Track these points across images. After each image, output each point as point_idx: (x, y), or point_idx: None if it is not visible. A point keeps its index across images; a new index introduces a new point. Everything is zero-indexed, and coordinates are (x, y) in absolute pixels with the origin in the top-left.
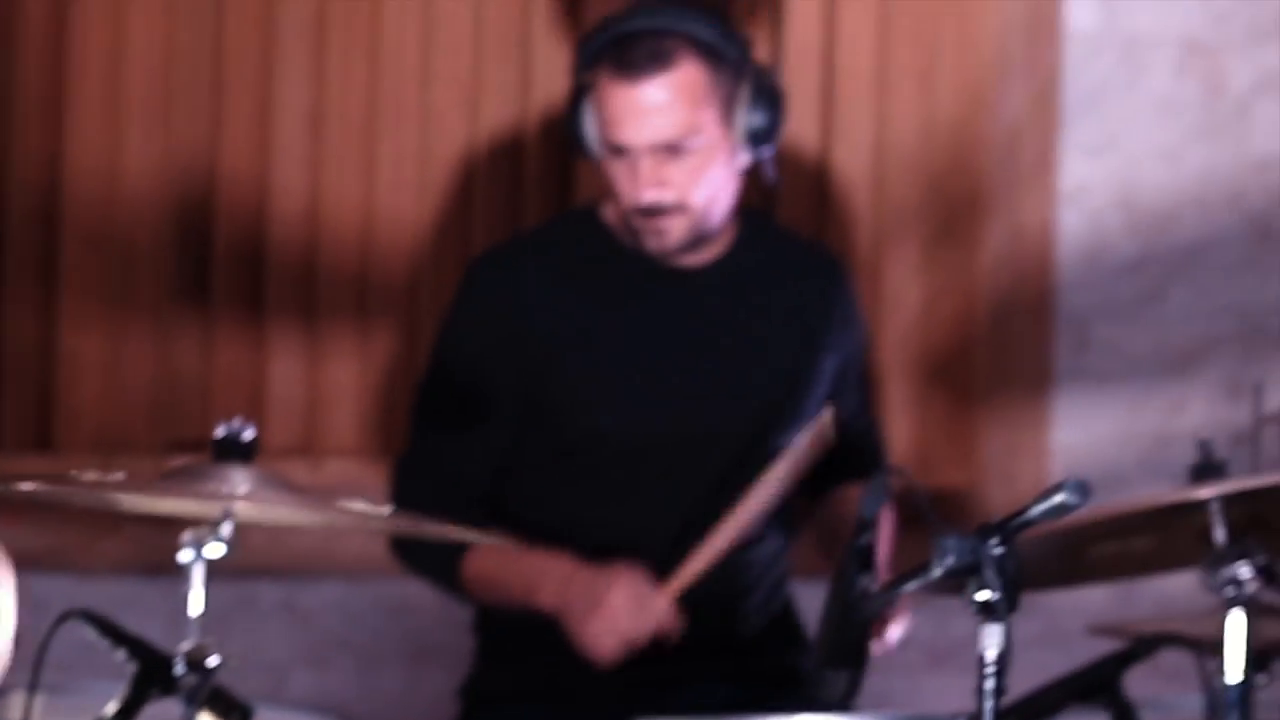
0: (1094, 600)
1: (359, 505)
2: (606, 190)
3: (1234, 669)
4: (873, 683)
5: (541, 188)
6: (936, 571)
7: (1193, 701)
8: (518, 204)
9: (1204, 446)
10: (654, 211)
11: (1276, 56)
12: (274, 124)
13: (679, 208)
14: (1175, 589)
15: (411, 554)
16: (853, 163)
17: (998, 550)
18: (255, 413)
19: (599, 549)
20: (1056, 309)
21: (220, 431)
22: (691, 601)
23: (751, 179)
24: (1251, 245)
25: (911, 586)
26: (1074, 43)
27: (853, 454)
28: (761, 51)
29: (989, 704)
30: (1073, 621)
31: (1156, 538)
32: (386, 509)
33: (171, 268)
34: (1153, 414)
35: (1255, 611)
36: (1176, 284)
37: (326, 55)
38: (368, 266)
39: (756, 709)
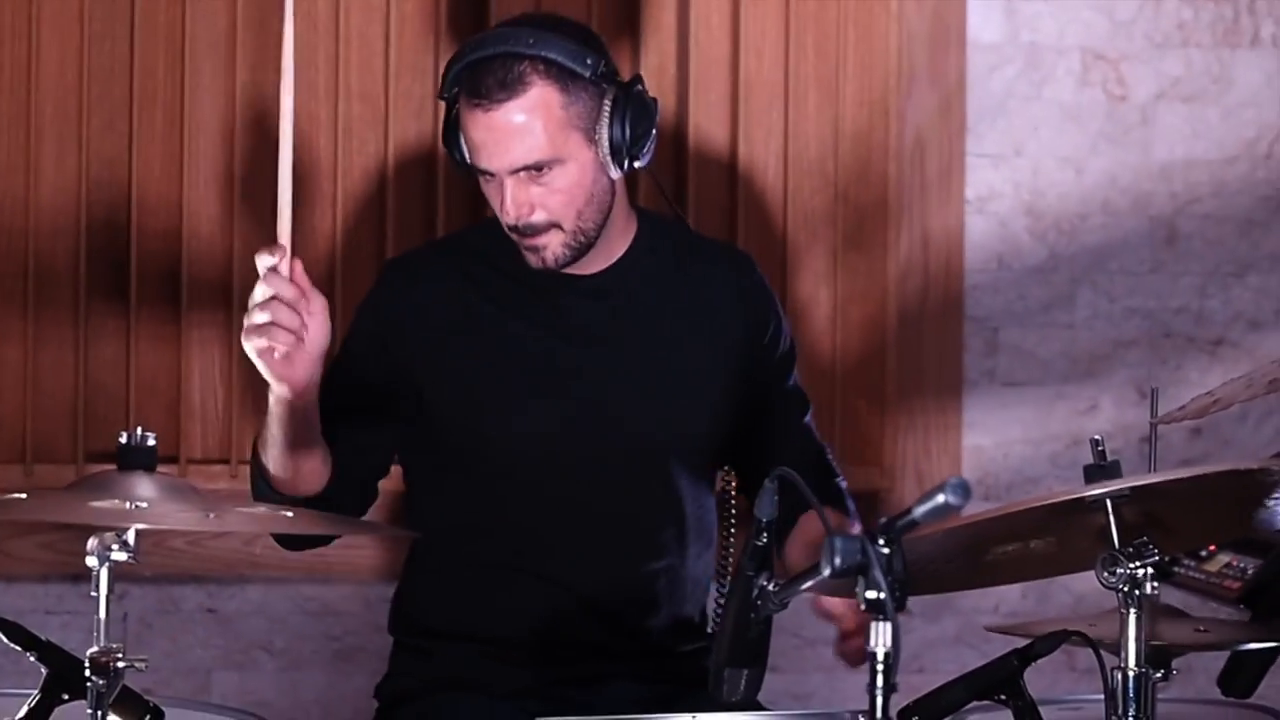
0: (1010, 600)
1: (262, 510)
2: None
3: (1131, 665)
4: (791, 681)
5: (453, 198)
6: (825, 571)
7: (1095, 697)
8: (430, 215)
9: (1097, 445)
10: (526, 231)
11: (1177, 64)
12: (187, 138)
13: (551, 226)
14: (1087, 587)
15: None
16: (761, 172)
17: (884, 550)
18: (174, 422)
19: (505, 555)
20: (965, 314)
21: (123, 440)
22: (590, 606)
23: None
24: (1157, 249)
25: (804, 586)
26: (978, 52)
27: (818, 483)
28: (668, 63)
29: (880, 701)
30: (990, 620)
31: (1056, 538)
32: (290, 512)
33: (90, 279)
34: (1062, 416)
35: (1157, 611)
36: (1083, 288)
37: (238, 70)
38: None
39: (668, 708)
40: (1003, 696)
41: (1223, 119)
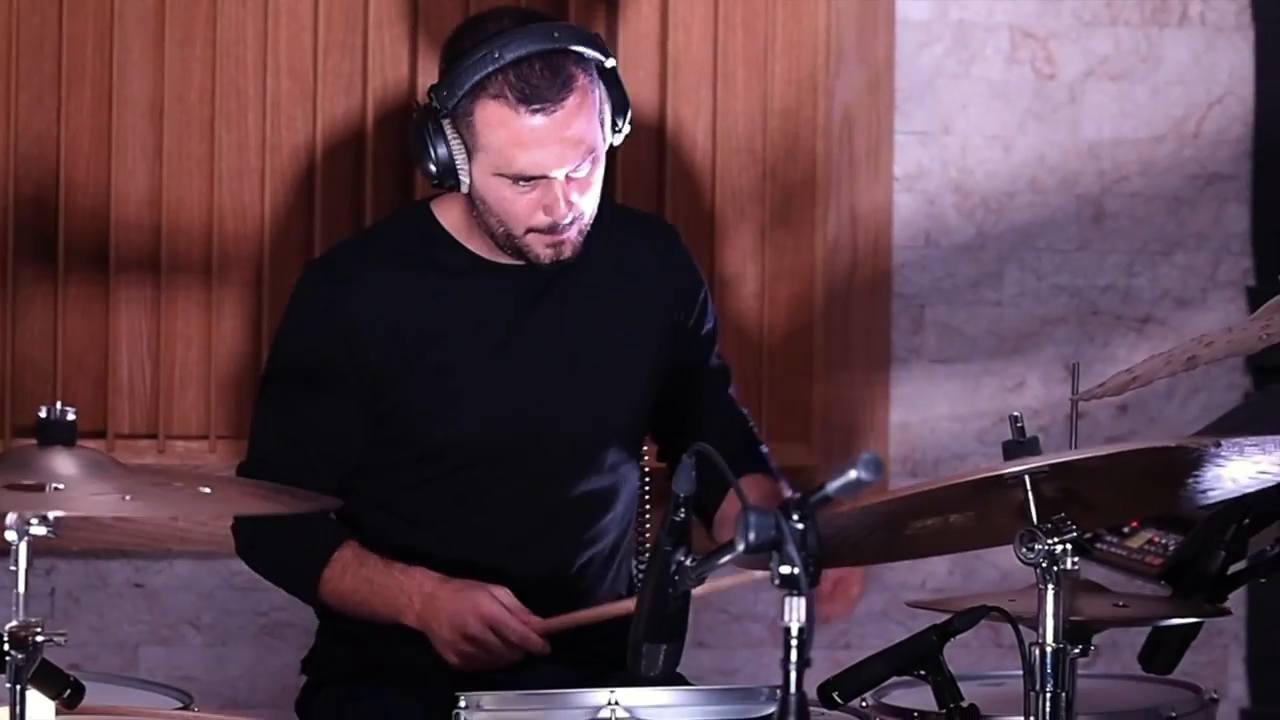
0: (937, 573)
1: (179, 485)
2: (479, 211)
3: (1049, 641)
4: (719, 657)
5: (382, 175)
6: (740, 546)
7: (1015, 673)
8: (359, 191)
9: (1016, 422)
10: (563, 228)
11: (1105, 43)
12: (116, 114)
13: (578, 218)
14: (1014, 563)
15: (266, 564)
16: (689, 149)
17: (799, 525)
18: (102, 396)
19: (439, 545)
20: (893, 291)
21: (42, 414)
22: (531, 594)
23: None
24: (1084, 228)
25: (719, 561)
26: (906, 30)
27: (742, 452)
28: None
29: (794, 675)
30: (916, 594)
31: (975, 513)
32: (209, 488)
33: (18, 254)
34: (989, 393)
35: (1078, 586)
36: (1011, 266)
37: (167, 46)
38: (212, 253)
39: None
40: (922, 672)
41: (1151, 97)
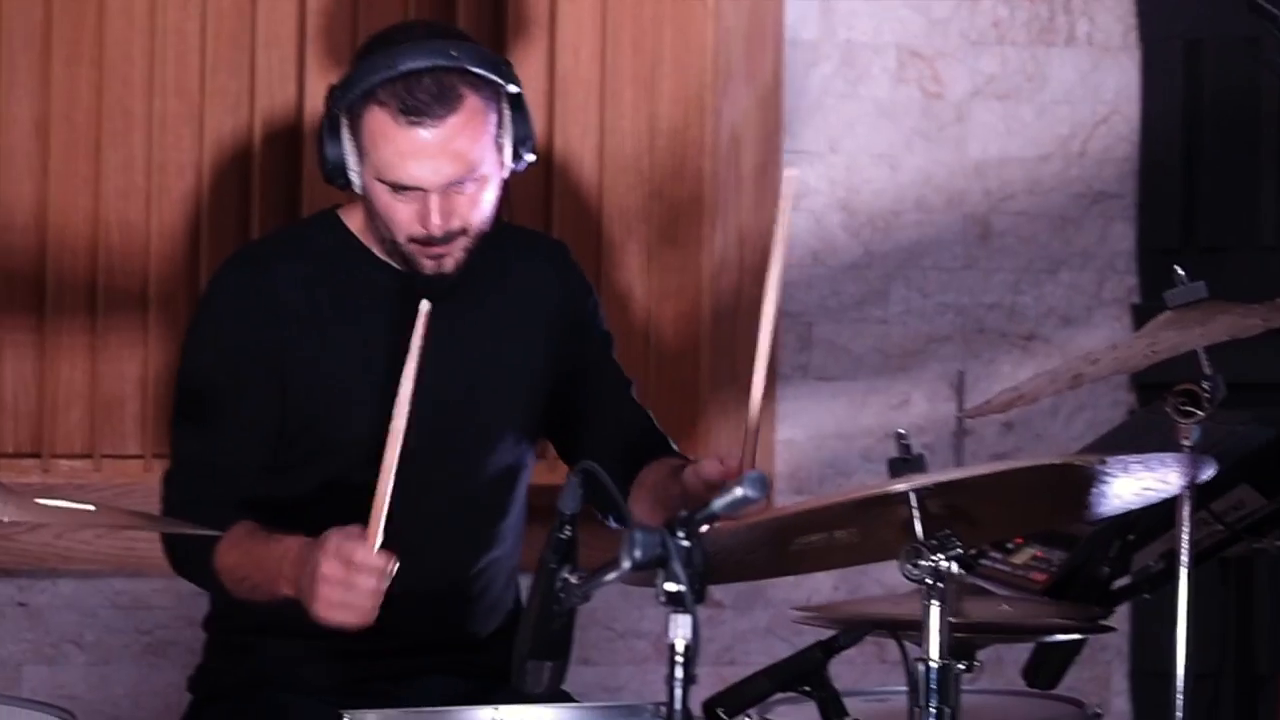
0: (821, 589)
1: (58, 503)
2: (371, 216)
3: (933, 657)
4: (603, 674)
5: (269, 194)
6: (626, 564)
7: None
8: (245, 210)
9: (902, 439)
10: (440, 242)
11: (992, 62)
12: (2, 132)
13: (461, 233)
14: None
15: (174, 557)
16: (577, 168)
17: (684, 543)
18: None
19: None
20: (780, 309)
21: None
22: (423, 604)
23: None
24: (970, 246)
25: (605, 579)
26: (794, 49)
27: (643, 434)
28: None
29: (679, 693)
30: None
31: (859, 529)
32: (89, 507)
33: None
34: (875, 410)
35: (963, 590)
36: (897, 284)
37: (52, 64)
38: (97, 273)
39: (481, 701)
40: (807, 688)
41: (1037, 116)
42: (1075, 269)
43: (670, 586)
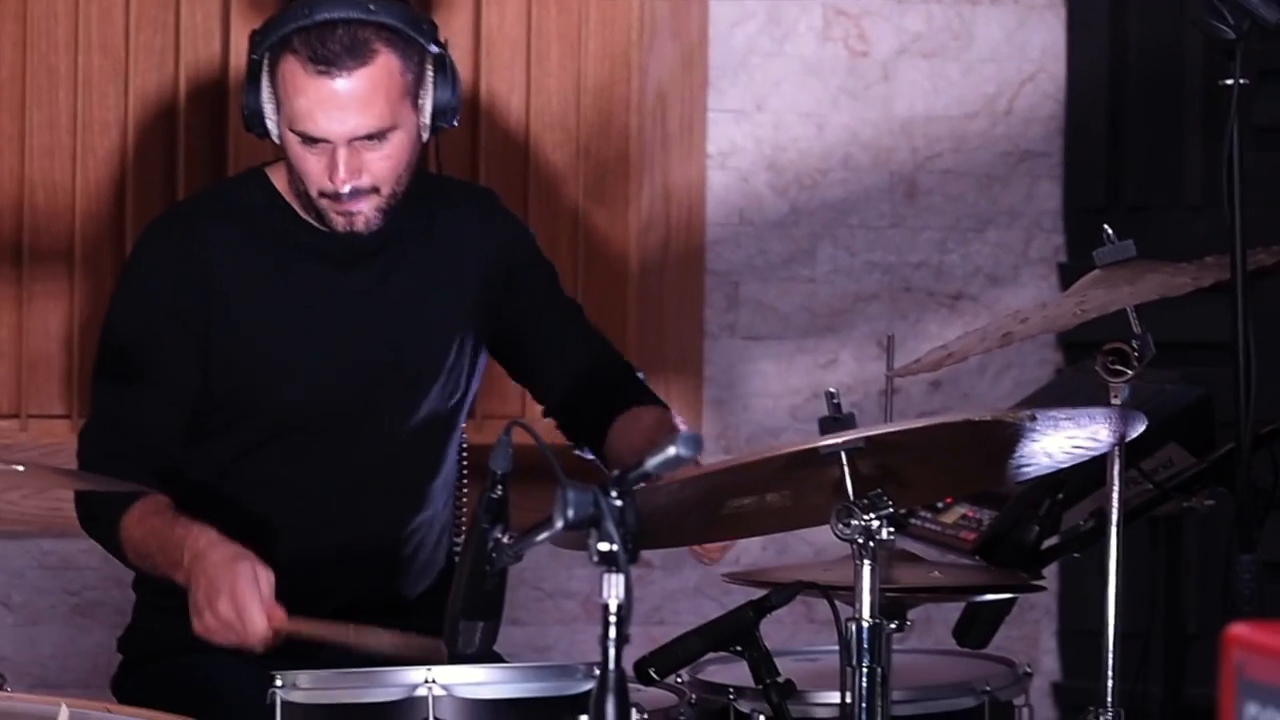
0: (750, 550)
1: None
2: (289, 170)
3: (865, 616)
4: (532, 633)
5: (195, 148)
6: (558, 523)
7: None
8: (171, 168)
9: (833, 398)
10: (344, 198)
11: (918, 20)
12: None
13: (371, 191)
14: (826, 539)
15: (82, 513)
16: (504, 126)
17: (617, 502)
18: None
19: (265, 513)
20: (706, 268)
21: None
22: (360, 562)
23: None
24: (897, 204)
25: (537, 539)
26: (720, 6)
27: (613, 378)
28: None
29: (612, 651)
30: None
31: (791, 491)
32: (18, 466)
33: None
34: (802, 370)
35: (893, 556)
36: (824, 243)
37: None
38: (23, 232)
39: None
40: (738, 647)
41: (963, 75)
42: (1002, 228)
43: (603, 546)
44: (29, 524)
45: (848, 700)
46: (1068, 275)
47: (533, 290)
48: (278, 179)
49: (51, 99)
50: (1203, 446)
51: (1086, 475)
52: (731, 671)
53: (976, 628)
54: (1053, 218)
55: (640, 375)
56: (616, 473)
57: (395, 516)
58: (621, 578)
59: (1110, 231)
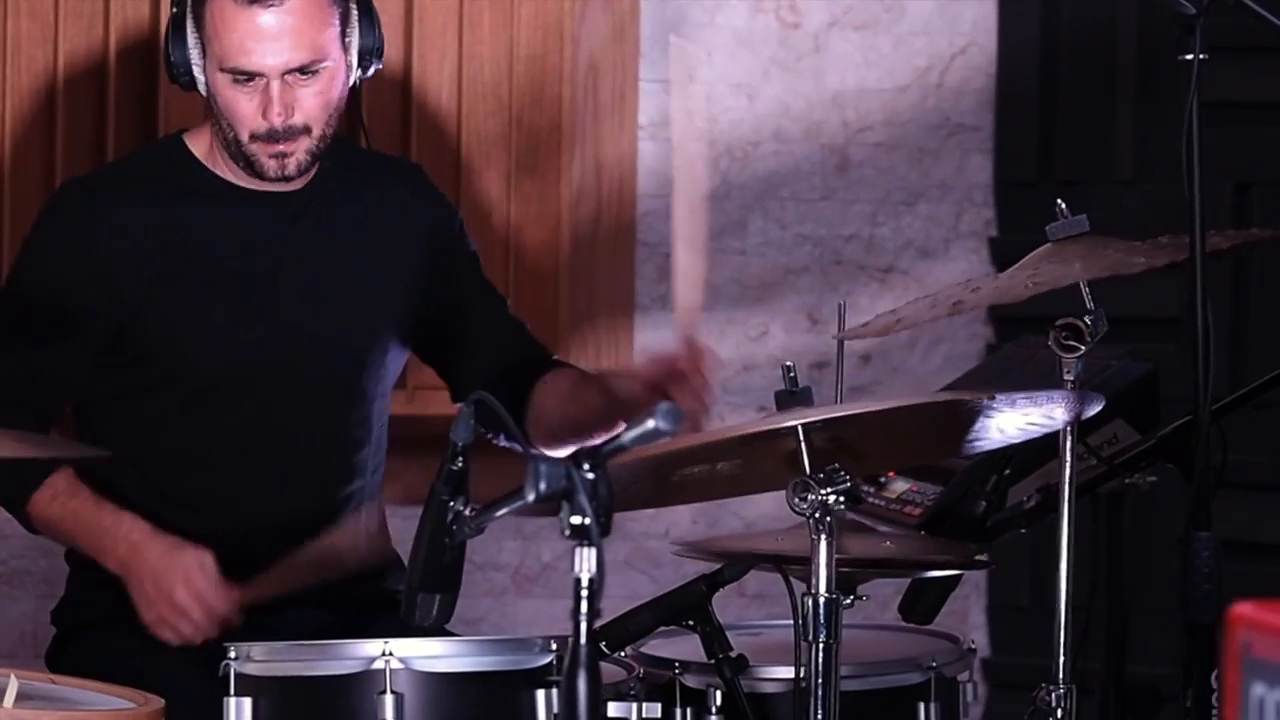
0: (680, 522)
1: None
2: (210, 117)
3: (822, 591)
4: (461, 606)
5: (124, 113)
6: (530, 496)
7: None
8: (101, 130)
9: (789, 372)
10: (279, 136)
11: None
12: None
13: (304, 131)
14: (757, 512)
15: None
16: (435, 94)
17: (590, 475)
18: None
19: (192, 484)
20: (637, 239)
21: None
22: (290, 533)
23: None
24: (829, 176)
25: (503, 511)
26: None
27: (524, 349)
28: None
29: (584, 626)
30: (660, 544)
31: (743, 461)
32: None
33: None
34: (733, 342)
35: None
36: (755, 215)
37: None
38: None
39: (351, 634)
40: (691, 622)
41: (895, 47)
42: (933, 201)
43: (575, 520)
44: None
45: (802, 675)
46: (998, 249)
47: (461, 275)
48: (196, 144)
49: None
50: (1147, 422)
51: (1032, 451)
52: (675, 645)
53: (923, 603)
54: (983, 191)
55: (555, 357)
56: (590, 445)
57: (326, 486)
58: (594, 551)
59: (1064, 205)
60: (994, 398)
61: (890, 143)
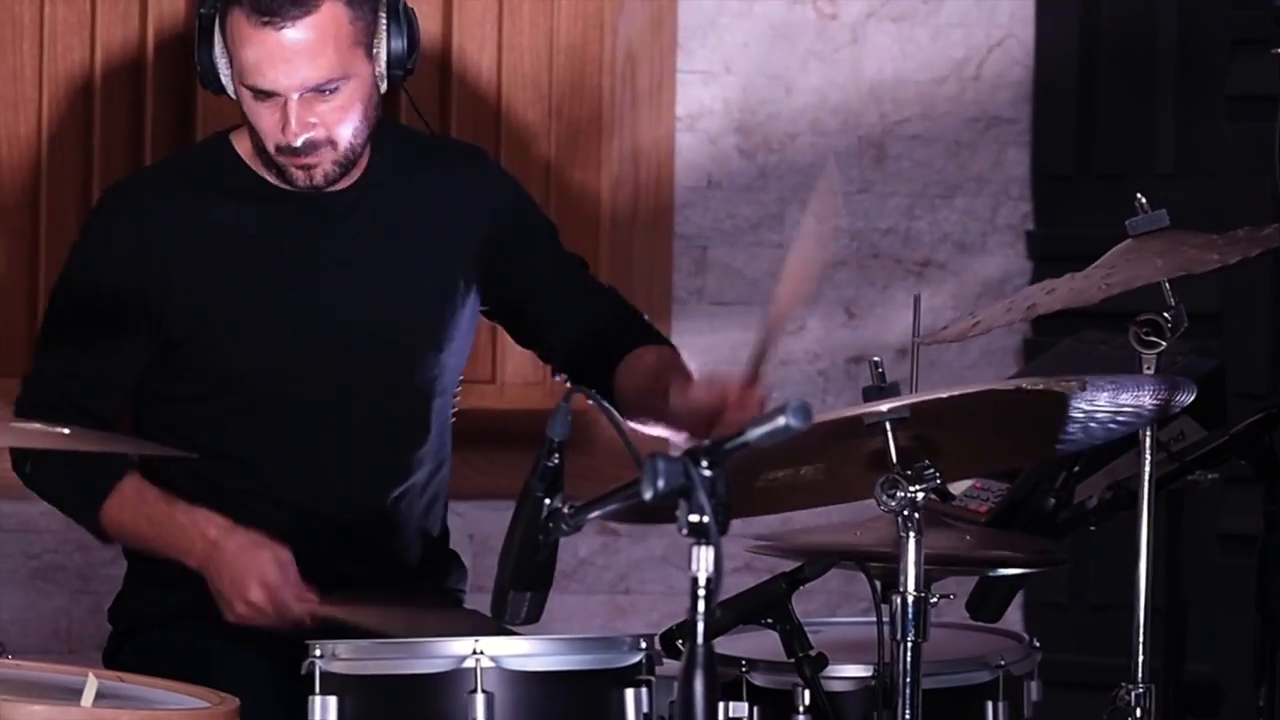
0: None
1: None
2: (242, 122)
3: (910, 590)
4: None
5: (161, 104)
6: (647, 493)
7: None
8: (138, 121)
9: (877, 367)
10: (300, 152)
11: None
12: None
13: (327, 143)
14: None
15: (47, 487)
16: (475, 84)
17: (708, 472)
18: None
19: (247, 483)
20: (674, 232)
21: None
22: (343, 534)
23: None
24: (865, 169)
25: (611, 506)
26: None
27: (617, 327)
28: None
29: (701, 626)
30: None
31: (826, 464)
32: (64, 430)
33: None
34: None
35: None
36: (792, 207)
37: None
38: None
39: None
40: (770, 620)
41: (932, 39)
42: (970, 194)
43: (694, 518)
44: None
45: (871, 674)
46: (1035, 243)
47: (536, 254)
48: (240, 144)
49: (16, 50)
50: (1212, 418)
51: (1100, 449)
52: (737, 643)
53: (991, 601)
54: (1020, 185)
55: (647, 318)
56: (709, 441)
57: (381, 484)
58: (711, 550)
59: (1143, 200)
60: (1084, 385)
61: (927, 135)
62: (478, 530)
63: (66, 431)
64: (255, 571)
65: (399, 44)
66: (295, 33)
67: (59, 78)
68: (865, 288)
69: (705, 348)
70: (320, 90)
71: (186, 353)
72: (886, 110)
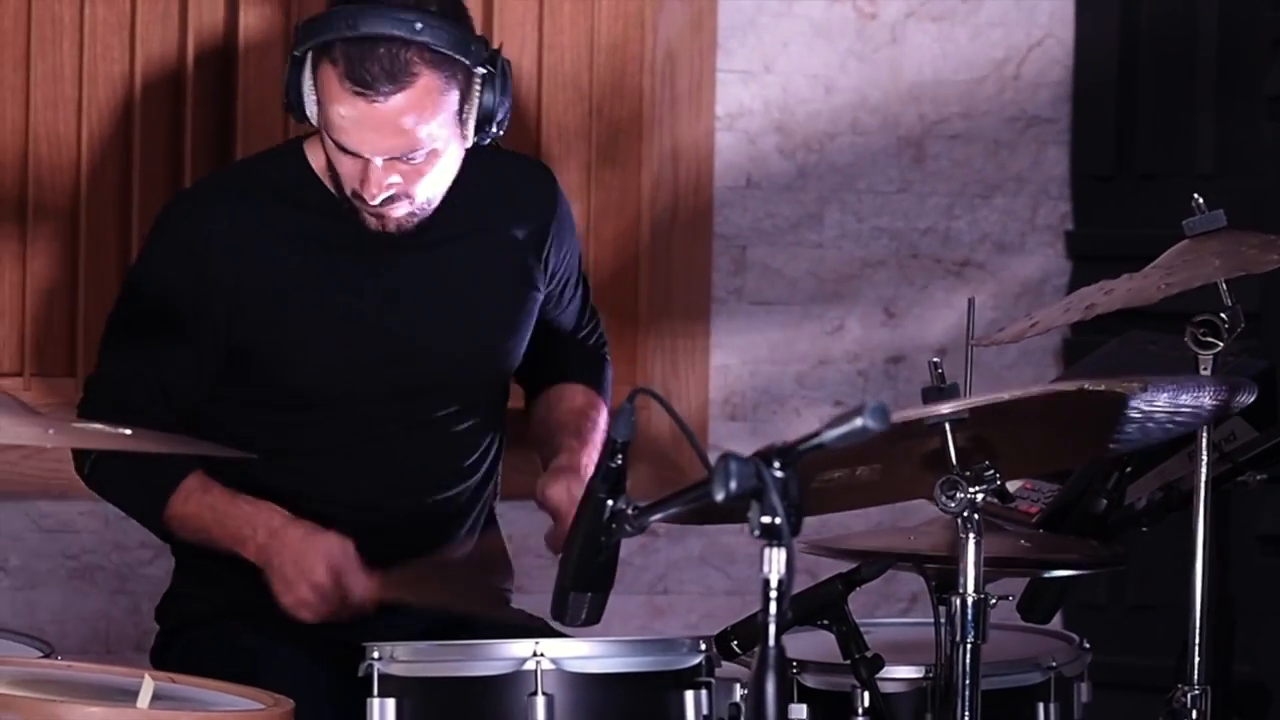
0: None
1: (97, 427)
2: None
3: (970, 591)
4: (529, 603)
5: (201, 105)
6: (719, 494)
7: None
8: (178, 122)
9: (937, 368)
10: (379, 205)
11: None
12: None
13: (405, 198)
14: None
15: (111, 486)
16: (515, 84)
17: (780, 473)
18: None
19: (304, 486)
20: (714, 232)
21: None
22: (398, 534)
23: None
24: (905, 169)
25: (679, 507)
26: None
27: (572, 351)
28: None
29: (774, 629)
30: (734, 539)
31: (882, 465)
32: (125, 430)
33: None
34: (809, 336)
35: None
36: (831, 207)
37: None
38: (27, 185)
39: (464, 631)
40: (825, 621)
41: (971, 39)
42: (1009, 194)
43: (766, 519)
44: (27, 486)
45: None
46: (1075, 243)
47: (570, 280)
48: (314, 155)
49: (56, 50)
50: (1263, 419)
51: (1152, 450)
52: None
53: (1041, 603)
54: (1059, 184)
55: (606, 363)
56: (782, 443)
57: (430, 490)
58: (783, 552)
59: (1200, 200)
60: (1145, 387)
61: (967, 135)
62: (515, 530)
63: (128, 433)
64: (322, 552)
65: (491, 109)
66: (387, 106)
67: (98, 77)
68: (904, 287)
69: (744, 347)
70: (404, 158)
71: (250, 359)
72: (926, 110)
